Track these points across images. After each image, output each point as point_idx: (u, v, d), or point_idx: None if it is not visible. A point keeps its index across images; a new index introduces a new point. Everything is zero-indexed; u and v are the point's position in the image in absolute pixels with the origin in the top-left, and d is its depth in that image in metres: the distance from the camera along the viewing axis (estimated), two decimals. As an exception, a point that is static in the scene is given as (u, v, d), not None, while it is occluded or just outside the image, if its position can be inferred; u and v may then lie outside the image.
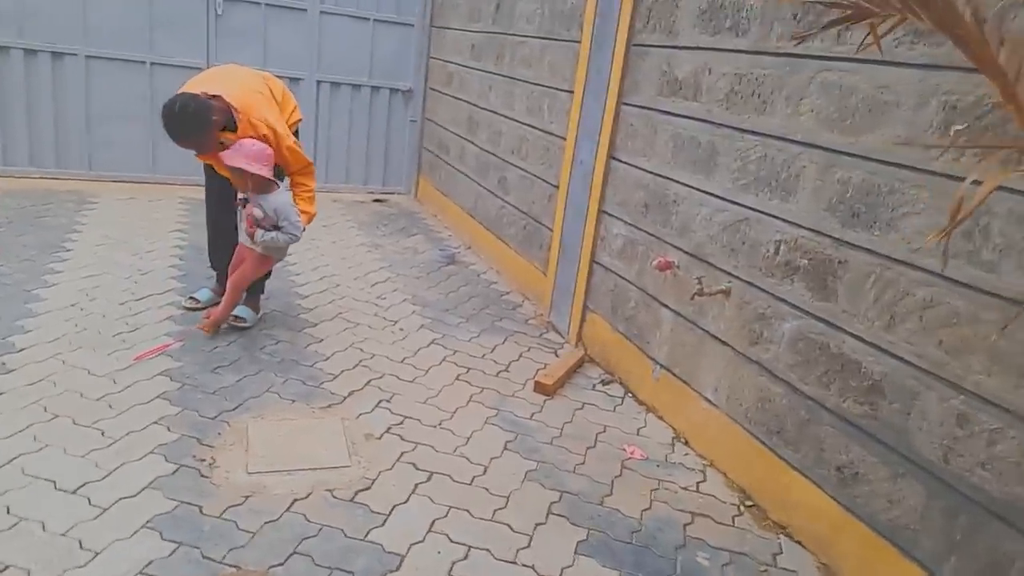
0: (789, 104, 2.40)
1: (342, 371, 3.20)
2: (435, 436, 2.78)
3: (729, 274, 2.67)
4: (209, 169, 3.47)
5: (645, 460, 2.78)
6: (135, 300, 3.62)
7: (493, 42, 4.92)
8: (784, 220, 2.42)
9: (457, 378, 3.28)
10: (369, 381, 3.14)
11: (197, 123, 2.97)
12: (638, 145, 3.24)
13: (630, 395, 3.29)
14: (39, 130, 5.42)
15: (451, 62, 5.74)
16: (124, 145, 5.62)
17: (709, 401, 2.79)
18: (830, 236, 2.25)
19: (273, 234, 3.22)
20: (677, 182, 2.97)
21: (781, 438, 2.43)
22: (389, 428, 2.79)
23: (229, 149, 3.09)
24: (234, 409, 2.77)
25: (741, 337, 2.61)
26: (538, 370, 3.46)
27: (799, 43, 2.26)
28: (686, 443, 2.92)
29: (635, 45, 3.26)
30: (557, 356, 3.65)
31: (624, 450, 2.83)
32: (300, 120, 3.53)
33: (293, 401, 2.89)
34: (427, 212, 6.25)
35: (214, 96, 3.03)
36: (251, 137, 3.11)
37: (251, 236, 3.24)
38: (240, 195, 3.26)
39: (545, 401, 3.17)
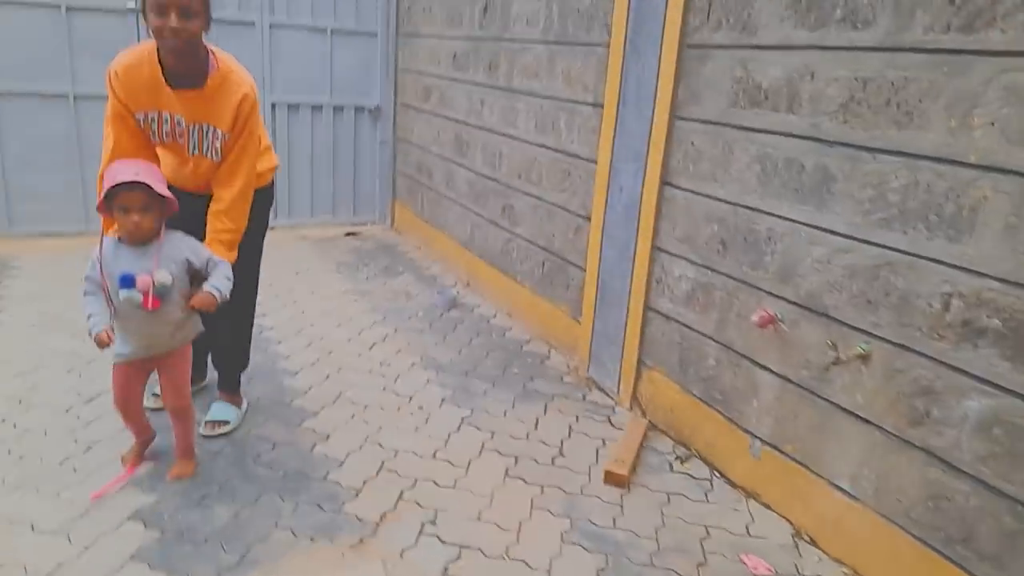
0: (952, 116, 1.84)
1: (364, 482, 2.52)
2: (508, 574, 2.13)
3: (866, 333, 2.10)
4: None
5: None
6: (84, 403, 2.86)
7: (482, 49, 4.27)
8: (956, 267, 1.86)
9: (507, 474, 2.64)
10: (401, 494, 2.47)
11: None
12: (704, 169, 2.65)
13: (718, 475, 2.70)
14: (-58, 186, 4.55)
15: (428, 74, 5.07)
16: (48, 196, 4.77)
17: (844, 492, 2.22)
18: (1039, 290, 1.69)
19: (216, 286, 2.28)
20: (770, 214, 2.39)
21: (971, 549, 1.88)
22: (446, 570, 2.13)
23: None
24: (238, 565, 2.07)
25: (893, 415, 2.05)
26: (597, 449, 2.85)
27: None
28: (812, 542, 2.34)
29: (691, 46, 2.67)
30: (612, 424, 3.04)
31: (745, 563, 2.24)
32: (276, 166, 2.80)
33: (312, 539, 2.20)
34: (408, 244, 5.56)
35: None
36: (220, 99, 2.32)
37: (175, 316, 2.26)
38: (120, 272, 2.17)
39: (622, 496, 2.55)
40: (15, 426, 2.68)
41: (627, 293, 3.09)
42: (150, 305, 2.15)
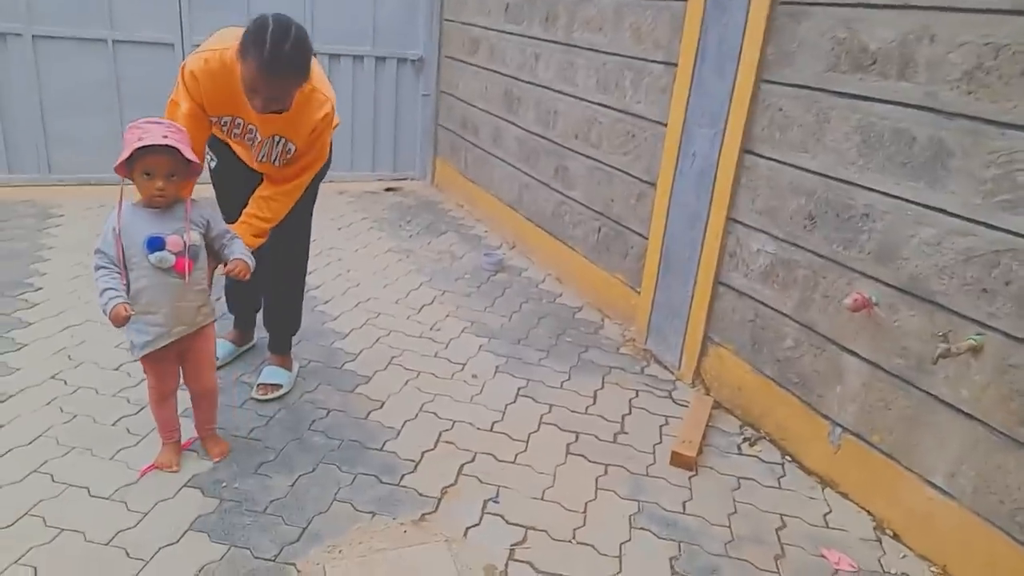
0: (1107, 89, 1.64)
1: (422, 454, 2.43)
2: (576, 558, 2.04)
3: (977, 324, 1.94)
4: (223, 169, 2.55)
5: (856, 573, 2.09)
6: (134, 361, 2.79)
7: (539, 0, 4.04)
8: (1097, 258, 1.68)
9: (569, 451, 2.54)
10: (461, 468, 2.38)
11: (307, 57, 2.06)
12: (794, 137, 2.46)
13: (790, 459, 2.58)
14: (-18, 130, 4.45)
15: (475, 25, 4.84)
16: (87, 142, 4.66)
17: (938, 488, 2.09)
18: None
19: (245, 253, 2.16)
20: (871, 190, 2.21)
21: (1087, 560, 1.75)
22: (512, 552, 2.04)
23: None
24: (298, 540, 2.00)
25: (1003, 412, 1.90)
26: (660, 426, 2.74)
27: None
28: (896, 537, 2.22)
29: (784, 2, 2.45)
30: (674, 401, 2.93)
31: (826, 558, 2.13)
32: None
33: (373, 515, 2.13)
34: (450, 201, 5.41)
35: None
36: (301, 116, 2.22)
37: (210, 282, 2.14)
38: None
39: (691, 479, 2.44)
40: (66, 383, 2.62)
41: (695, 265, 2.93)
42: (186, 268, 2.00)
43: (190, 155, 1.96)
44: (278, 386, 2.66)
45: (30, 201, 4.41)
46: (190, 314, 2.08)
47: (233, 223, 2.31)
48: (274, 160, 2.32)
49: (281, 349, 2.77)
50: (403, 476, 2.31)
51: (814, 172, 2.40)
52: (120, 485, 2.14)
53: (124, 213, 1.98)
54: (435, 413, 2.67)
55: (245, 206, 2.63)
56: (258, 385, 2.65)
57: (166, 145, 1.90)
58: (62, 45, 4.46)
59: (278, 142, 2.28)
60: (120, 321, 1.92)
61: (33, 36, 4.36)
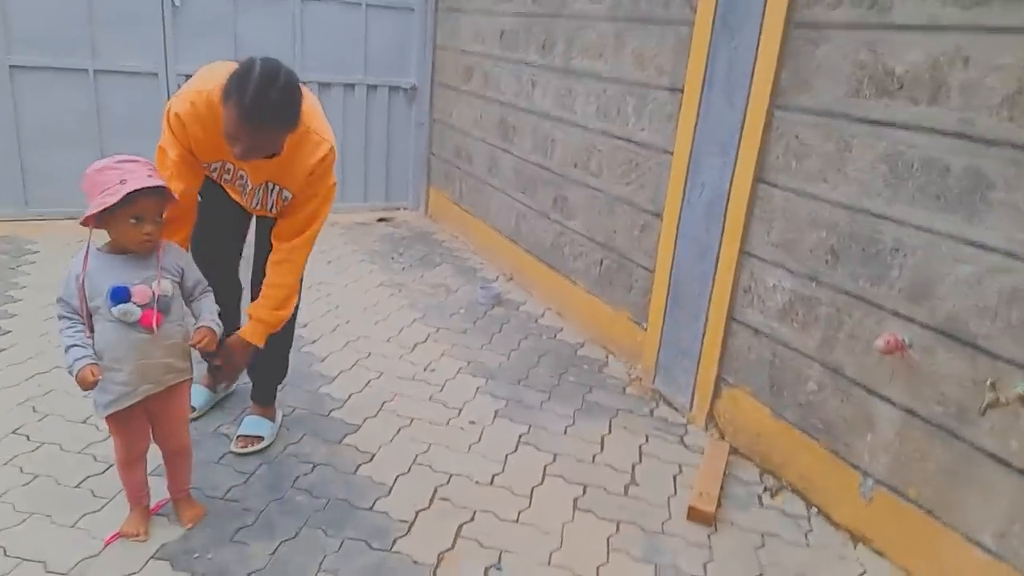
0: None
1: (416, 513, 2.22)
2: (590, 635, 1.84)
3: (1026, 369, 1.77)
4: (210, 204, 2.32)
5: (900, 644, 1.89)
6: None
7: (536, 27, 3.91)
8: None
9: (576, 506, 2.34)
10: (460, 529, 2.17)
11: (295, 105, 1.85)
12: (811, 167, 2.31)
13: (816, 511, 2.39)
14: (-45, 163, 4.27)
15: (470, 52, 4.72)
16: (67, 175, 4.44)
17: (985, 548, 1.90)
18: None
19: (214, 319, 1.95)
20: (900, 223, 2.05)
21: None
22: (519, 630, 1.84)
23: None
24: (279, 620, 1.79)
25: (1061, 468, 1.72)
26: (674, 476, 2.54)
27: None
28: (938, 601, 2.03)
29: (800, 25, 2.31)
30: (686, 446, 2.73)
31: (864, 629, 1.93)
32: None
33: (363, 587, 1.92)
34: (444, 232, 5.24)
35: None
36: (295, 160, 2.03)
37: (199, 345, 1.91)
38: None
39: (710, 536, 2.24)
40: (28, 438, 2.41)
41: (707, 301, 2.76)
42: (153, 321, 1.79)
43: (175, 195, 1.80)
44: (259, 438, 2.45)
45: (6, 237, 4.21)
46: (157, 372, 1.87)
47: (208, 263, 2.13)
48: (270, 208, 2.15)
49: (265, 399, 2.56)
50: (395, 540, 2.10)
51: (835, 203, 2.24)
52: (81, 557, 1.92)
53: (90, 258, 1.79)
54: (430, 466, 2.47)
55: (228, 244, 2.45)
56: (237, 437, 2.44)
57: (158, 186, 1.73)
58: (41, 75, 4.29)
59: (272, 189, 2.09)
60: (87, 386, 1.73)
61: (10, 66, 4.20)
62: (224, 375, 2.32)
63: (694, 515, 2.29)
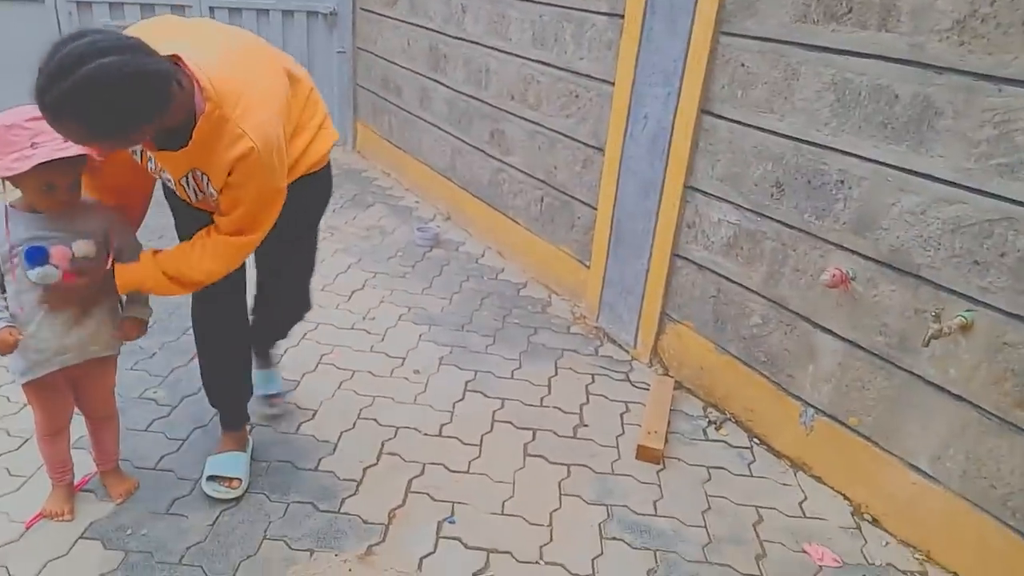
0: (1121, 38, 1.46)
1: (364, 471, 2.15)
2: (547, 583, 1.84)
3: (968, 299, 1.79)
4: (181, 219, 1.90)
5: (841, 568, 1.95)
6: (10, 382, 2.37)
7: (463, -55, 3.65)
8: (1105, 228, 1.53)
9: (527, 452, 2.31)
10: (410, 484, 2.12)
11: (94, 105, 1.29)
12: (757, 96, 2.24)
13: (758, 442, 2.43)
14: None
15: (393, -26, 4.40)
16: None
17: (922, 472, 1.97)
18: None
19: (136, 304, 1.80)
20: (846, 153, 2.01)
21: (1088, 548, 1.65)
22: (476, 582, 1.82)
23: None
24: (224, 593, 1.71)
25: (997, 393, 1.77)
26: (621, 414, 2.54)
27: None
28: (875, 522, 2.10)
29: (744, -56, 2.20)
30: (632, 383, 2.73)
31: (808, 554, 1.99)
32: (334, 143, 1.95)
33: (312, 553, 1.84)
34: (375, 170, 5.02)
35: (172, 57, 1.46)
36: (208, 149, 1.53)
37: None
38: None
39: (659, 474, 2.26)
40: (-72, 415, 2.20)
41: (650, 237, 2.71)
42: (63, 280, 1.62)
43: (96, 156, 1.58)
44: (235, 479, 2.02)
45: None
46: (80, 342, 1.71)
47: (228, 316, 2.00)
48: (208, 198, 1.67)
49: (235, 423, 2.14)
50: (343, 500, 2.03)
51: (782, 135, 2.18)
52: (0, 543, 1.78)
53: (1, 215, 1.59)
54: (375, 419, 2.39)
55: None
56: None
57: (79, 155, 1.51)
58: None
59: (199, 178, 1.62)
60: (7, 348, 1.58)
61: None
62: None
63: (643, 454, 2.30)
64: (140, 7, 4.35)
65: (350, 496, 2.05)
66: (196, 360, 2.10)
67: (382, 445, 2.27)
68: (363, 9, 4.88)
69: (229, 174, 1.55)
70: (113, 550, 1.79)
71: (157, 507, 1.93)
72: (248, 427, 2.18)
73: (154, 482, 2.02)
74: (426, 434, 2.34)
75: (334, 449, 2.23)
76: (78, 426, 1.93)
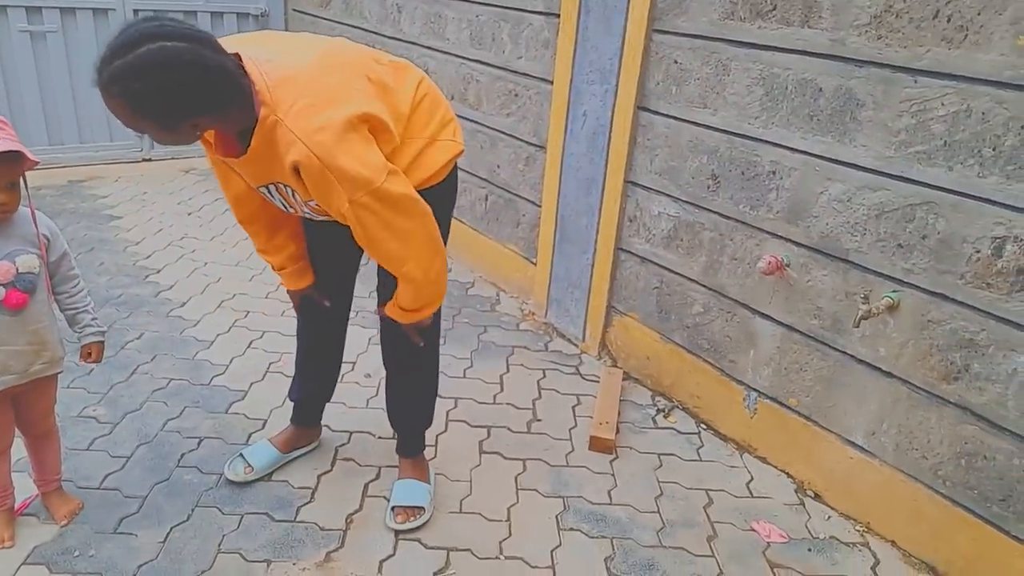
0: (1020, 32, 1.57)
1: (319, 477, 2.13)
2: (507, 575, 1.86)
3: (894, 281, 1.89)
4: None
5: (787, 543, 2.04)
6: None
7: (396, -55, 3.64)
8: (1014, 208, 1.64)
9: (482, 449, 2.33)
10: (366, 488, 2.11)
11: (145, 89, 1.28)
12: (691, 92, 2.31)
13: (705, 427, 2.51)
14: None
15: (326, -26, 4.35)
16: None
17: (858, 447, 2.07)
18: (1116, 236, 1.50)
19: (97, 327, 1.76)
20: (776, 145, 2.10)
21: (1010, 509, 1.76)
22: (438, 582, 1.82)
23: None
24: (179, 612, 1.67)
25: (923, 369, 1.87)
26: (573, 407, 2.58)
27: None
28: (817, 497, 2.20)
29: (673, -56, 2.26)
30: (582, 376, 2.78)
31: (756, 532, 2.06)
32: (459, 153, 1.76)
33: (268, 563, 1.82)
34: (316, 173, 4.93)
35: (234, 55, 1.42)
36: (270, 155, 1.45)
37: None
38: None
39: (612, 463, 2.31)
40: None
41: (594, 232, 2.76)
42: (18, 302, 1.57)
43: (33, 156, 1.51)
44: (420, 509, 1.99)
45: None
46: (22, 361, 1.64)
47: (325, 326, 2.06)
48: (302, 212, 1.65)
49: (413, 449, 2.11)
50: (299, 508, 2.01)
51: (715, 128, 2.26)
52: (-66, 576, 1.70)
53: None
54: (328, 426, 2.36)
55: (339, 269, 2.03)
56: (394, 509, 1.99)
57: (12, 150, 1.45)
58: None
59: (282, 189, 1.57)
60: None
61: None
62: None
63: (596, 444, 2.35)
64: (60, 11, 4.18)
65: (306, 504, 2.03)
66: (136, 374, 2.04)
67: (336, 451, 2.26)
68: (295, 10, 4.81)
69: (297, 174, 1.45)
70: (60, 574, 1.73)
71: (104, 527, 1.88)
72: (427, 463, 2.13)
73: (100, 502, 1.96)
74: (380, 437, 2.33)
75: (290, 465, 2.20)
76: (16, 448, 1.86)
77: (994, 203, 1.67)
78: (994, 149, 1.65)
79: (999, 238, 1.67)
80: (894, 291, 1.89)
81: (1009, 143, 1.62)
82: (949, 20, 1.68)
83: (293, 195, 1.56)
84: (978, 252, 1.71)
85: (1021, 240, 1.64)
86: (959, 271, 1.76)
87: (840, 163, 1.95)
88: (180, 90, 1.30)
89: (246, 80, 1.41)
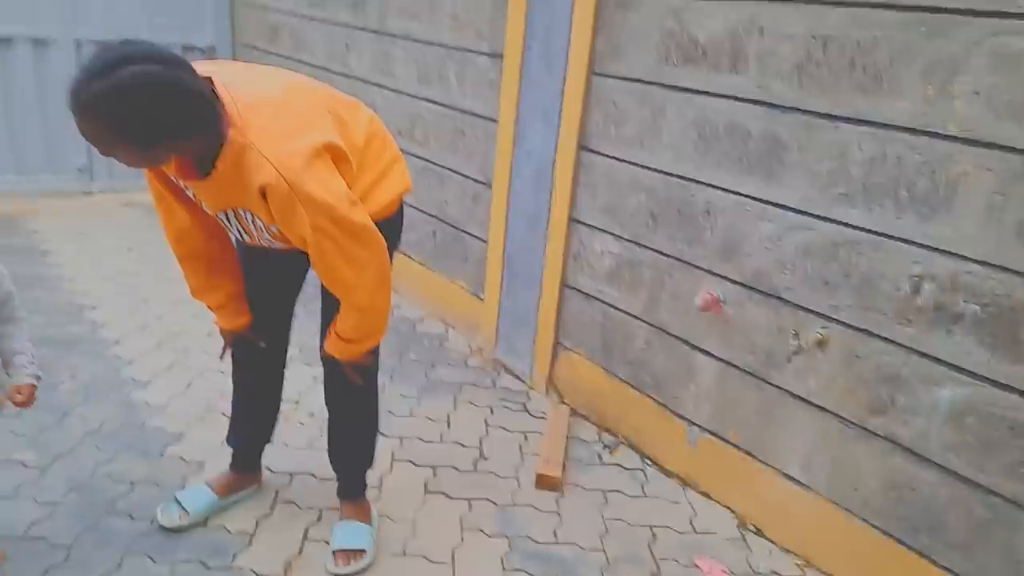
0: (929, 82, 1.67)
1: (256, 522, 2.07)
2: (448, 621, 1.83)
3: (822, 317, 1.96)
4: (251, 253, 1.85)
5: (730, 577, 2.06)
6: None
7: (345, -16, 3.68)
8: (929, 247, 1.72)
9: (427, 489, 2.31)
10: (306, 531, 2.06)
11: (122, 111, 1.29)
12: (629, 133, 2.38)
13: (650, 463, 2.53)
14: None
15: (275, 9, 4.36)
16: None
17: (793, 479, 2.11)
18: (1022, 274, 1.59)
19: (31, 371, 1.70)
20: (710, 186, 2.17)
21: (937, 539, 1.82)
22: (376, 629, 1.78)
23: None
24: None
25: (852, 402, 1.93)
26: (520, 445, 2.58)
27: None
28: (758, 531, 2.23)
29: (610, -8, 2.34)
30: (529, 413, 2.78)
31: (699, 567, 2.08)
32: (407, 189, 1.85)
33: (200, 614, 1.77)
34: (265, 207, 4.89)
35: (206, 78, 1.43)
36: (239, 179, 1.46)
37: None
38: None
39: (558, 501, 2.31)
40: None
41: (540, 269, 2.79)
42: None
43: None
44: (361, 552, 1.95)
45: None
46: None
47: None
48: (259, 240, 1.65)
49: (354, 491, 2.09)
50: (235, 555, 1.95)
51: (653, 169, 2.32)
52: None
53: None
54: (268, 468, 2.30)
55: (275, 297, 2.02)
56: (335, 552, 1.94)
57: None
58: None
59: (242, 215, 1.58)
60: None
61: None
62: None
63: (542, 482, 2.35)
64: (-3, 43, 4.10)
65: (242, 550, 1.97)
66: (69, 416, 1.98)
67: (276, 493, 2.21)
68: (243, 45, 4.80)
69: (264, 199, 1.46)
70: (-27, 635, 1.64)
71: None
72: (370, 502, 2.11)
73: (23, 551, 1.88)
74: (322, 479, 2.28)
75: (235, 506, 2.14)
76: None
77: (911, 243, 1.75)
78: (908, 191, 1.73)
79: (917, 276, 1.75)
80: (823, 327, 1.95)
81: (922, 186, 1.71)
82: (865, 71, 1.77)
83: (253, 221, 1.57)
84: (898, 290, 1.79)
85: (937, 278, 1.72)
86: (882, 308, 1.83)
87: (769, 203, 2.02)
88: (161, 112, 1.32)
89: (219, 103, 1.43)
